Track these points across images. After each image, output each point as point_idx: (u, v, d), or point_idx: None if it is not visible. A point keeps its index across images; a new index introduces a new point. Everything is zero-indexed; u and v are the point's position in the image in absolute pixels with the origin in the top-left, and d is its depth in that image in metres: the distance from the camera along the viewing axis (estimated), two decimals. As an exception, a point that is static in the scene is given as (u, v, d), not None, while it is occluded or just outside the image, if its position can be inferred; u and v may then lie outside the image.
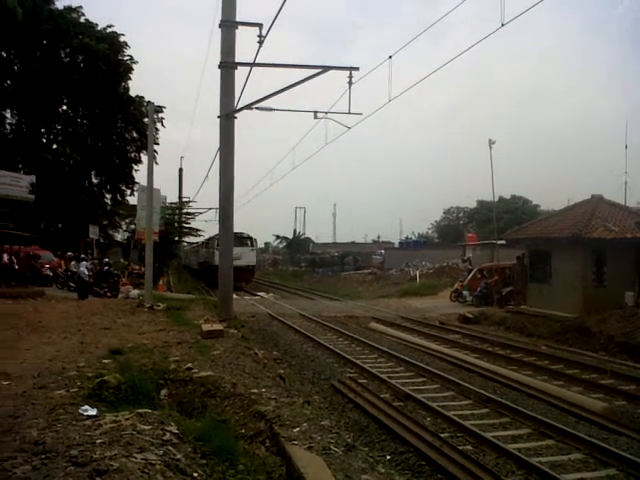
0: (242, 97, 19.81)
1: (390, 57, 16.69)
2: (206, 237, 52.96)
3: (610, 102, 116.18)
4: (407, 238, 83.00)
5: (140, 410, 6.92)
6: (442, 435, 9.28)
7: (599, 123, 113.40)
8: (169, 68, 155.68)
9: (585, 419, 10.65)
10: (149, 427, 6.30)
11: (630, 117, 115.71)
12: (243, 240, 44.60)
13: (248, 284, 45.79)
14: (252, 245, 47.05)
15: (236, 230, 35.65)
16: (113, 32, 44.74)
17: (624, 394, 12.73)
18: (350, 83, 18.03)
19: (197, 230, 51.67)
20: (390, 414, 10.31)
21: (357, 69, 18.07)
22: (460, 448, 8.64)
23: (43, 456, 5.22)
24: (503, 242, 34.52)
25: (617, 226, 23.28)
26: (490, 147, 41.18)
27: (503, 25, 12.20)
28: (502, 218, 56.72)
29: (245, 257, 43.67)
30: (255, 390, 9.60)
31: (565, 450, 9.08)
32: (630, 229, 23.00)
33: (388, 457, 8.51)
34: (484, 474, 7.73)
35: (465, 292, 32.20)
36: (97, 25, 44.57)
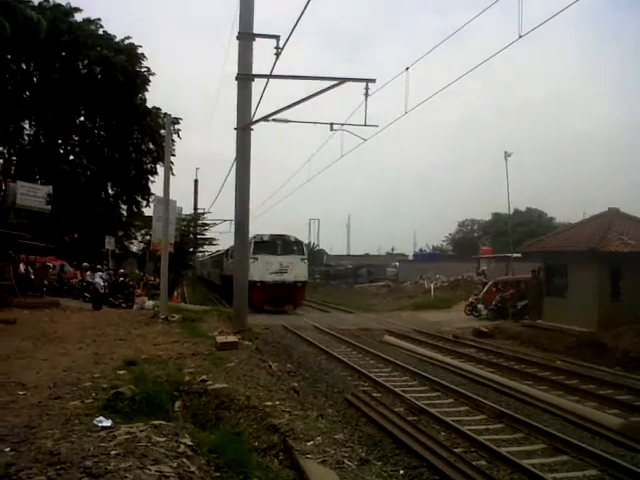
0: (259, 109, 19.85)
1: (407, 69, 16.67)
2: (227, 246, 44.31)
3: (629, 113, 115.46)
4: (421, 250, 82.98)
5: (155, 422, 6.94)
6: (456, 450, 9.23)
7: (616, 135, 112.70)
8: (186, 80, 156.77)
9: (601, 435, 10.55)
10: (163, 439, 6.31)
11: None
12: (289, 246, 34.15)
13: (296, 307, 34.47)
14: (302, 253, 34.70)
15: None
16: (131, 44, 45.24)
17: (640, 410, 12.61)
18: (366, 95, 18.03)
19: (212, 239, 51.72)
20: (404, 428, 10.27)
21: (374, 81, 18.07)
22: (474, 463, 8.58)
23: (58, 467, 5.24)
24: (518, 255, 34.42)
25: (633, 239, 23.14)
26: (506, 159, 41.36)
27: (521, 37, 12.16)
28: (517, 231, 56.50)
29: (293, 269, 33.29)
30: (269, 403, 9.59)
31: (580, 466, 8.99)
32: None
33: (402, 472, 8.47)
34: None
35: (480, 306, 32.05)
36: (115, 37, 45.11)
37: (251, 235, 27.86)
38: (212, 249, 54.76)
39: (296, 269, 33.47)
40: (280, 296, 32.03)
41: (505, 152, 41.23)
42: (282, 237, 33.69)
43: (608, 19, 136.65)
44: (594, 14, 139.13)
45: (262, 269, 32.28)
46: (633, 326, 19.97)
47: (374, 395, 12.89)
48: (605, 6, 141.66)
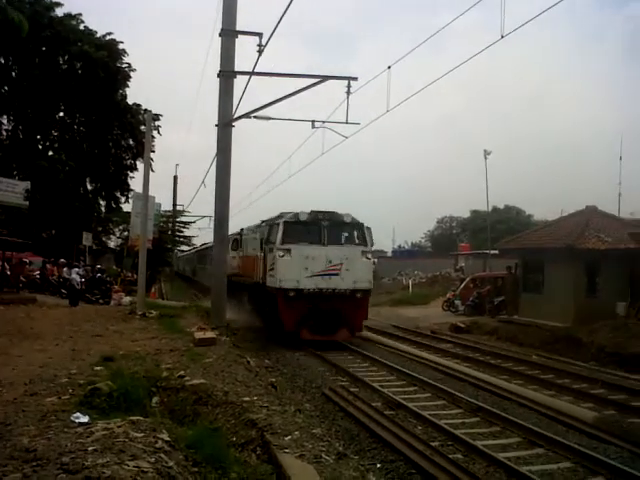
0: (240, 105, 19.73)
1: (389, 67, 16.57)
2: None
3: (605, 113, 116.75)
4: (400, 247, 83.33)
5: (132, 417, 6.95)
6: (433, 444, 9.30)
7: (593, 134, 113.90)
8: (167, 76, 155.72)
9: (575, 428, 10.68)
10: (141, 434, 6.32)
11: (625, 128, 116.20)
12: (343, 230, 20.38)
13: (355, 333, 20.00)
14: (364, 242, 20.07)
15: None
16: (112, 39, 44.96)
17: (614, 404, 12.77)
18: (348, 93, 18.03)
19: (191, 237, 51.44)
20: (381, 422, 10.33)
21: (355, 79, 18.06)
22: (450, 457, 8.67)
23: (34, 464, 5.22)
24: (496, 252, 34.74)
25: (610, 237, 23.44)
26: (485, 157, 41.70)
27: (503, 37, 12.06)
28: (496, 228, 56.99)
29: (351, 270, 19.31)
30: (247, 398, 9.62)
31: (554, 459, 9.10)
32: (623, 240, 23.15)
33: (379, 465, 8.52)
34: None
35: (457, 301, 32.33)
36: (96, 32, 44.77)
37: (274, 215, 21.05)
38: (197, 243, 53.98)
39: (355, 269, 19.26)
40: (328, 315, 18.83)
41: (485, 150, 41.62)
42: (331, 216, 19.77)
43: (587, 19, 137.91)
44: (576, 14, 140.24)
45: (297, 268, 18.83)
46: (608, 321, 20.26)
47: (352, 390, 12.93)
48: (587, 6, 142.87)
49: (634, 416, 11.89)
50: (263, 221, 22.91)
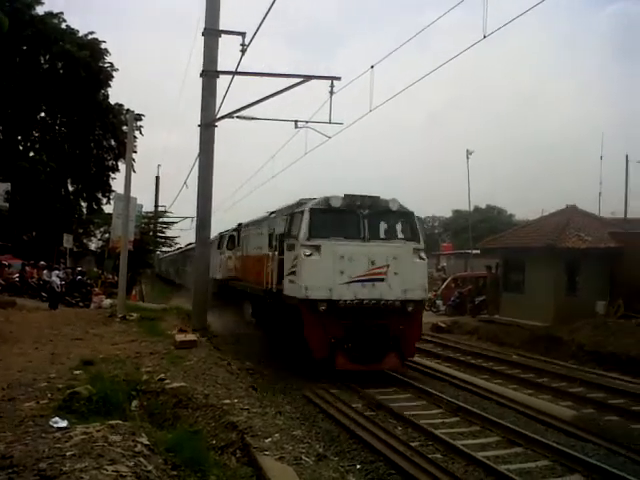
0: (223, 106, 19.60)
1: (372, 67, 16.52)
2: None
3: (587, 113, 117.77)
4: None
5: (111, 422, 6.90)
6: (412, 444, 9.39)
7: (576, 134, 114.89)
8: (151, 76, 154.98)
9: (554, 427, 10.82)
10: (120, 439, 6.29)
11: (606, 128, 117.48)
12: (388, 220, 15.86)
13: (406, 359, 15.40)
14: (416, 236, 15.42)
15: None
16: (94, 39, 44.58)
17: (592, 402, 12.98)
18: (331, 93, 17.97)
19: (173, 238, 51.15)
20: (361, 423, 10.41)
21: (339, 79, 18.00)
22: (430, 456, 8.76)
23: (10, 470, 5.17)
24: (477, 252, 34.94)
25: (590, 236, 23.68)
26: (467, 157, 42.06)
27: (485, 37, 11.86)
28: (478, 227, 57.31)
29: (402, 276, 14.71)
30: (227, 401, 9.62)
31: (533, 457, 9.23)
32: (603, 239, 23.43)
33: (358, 466, 8.58)
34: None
35: (439, 301, 32.47)
36: (78, 32, 44.38)
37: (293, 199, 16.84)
38: (181, 243, 53.48)
39: (406, 273, 14.78)
40: (372, 334, 14.34)
41: (467, 150, 41.96)
42: (372, 202, 15.34)
43: (571, 18, 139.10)
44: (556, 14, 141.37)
45: (329, 272, 14.31)
46: (588, 320, 20.48)
47: (332, 391, 12.98)
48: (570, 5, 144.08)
49: (612, 414, 12.13)
50: (272, 212, 18.89)
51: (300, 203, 15.94)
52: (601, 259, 22.99)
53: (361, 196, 15.23)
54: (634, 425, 11.38)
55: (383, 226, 15.67)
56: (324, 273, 14.14)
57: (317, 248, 14.32)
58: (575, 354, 18.89)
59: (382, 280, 14.46)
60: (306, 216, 14.61)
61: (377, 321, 14.36)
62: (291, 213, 15.71)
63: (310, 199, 15.69)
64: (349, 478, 7.47)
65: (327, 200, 14.91)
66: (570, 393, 13.75)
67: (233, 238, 23.65)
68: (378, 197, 15.43)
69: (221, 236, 27.45)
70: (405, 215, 15.63)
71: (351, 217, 14.92)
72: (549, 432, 10.52)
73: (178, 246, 53.03)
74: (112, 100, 46.83)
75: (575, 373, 16.33)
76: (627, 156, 32.10)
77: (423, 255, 15.41)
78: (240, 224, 23.56)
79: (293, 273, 14.69)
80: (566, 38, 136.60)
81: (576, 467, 8.71)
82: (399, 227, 15.76)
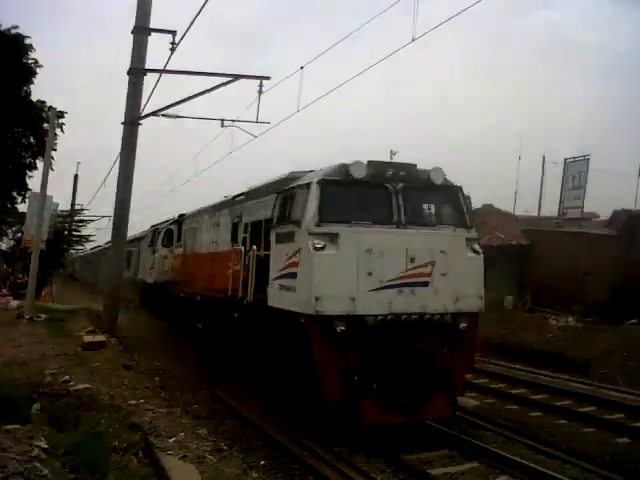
0: (150, 105, 19.22)
1: (302, 68, 16.61)
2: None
3: (508, 116, 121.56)
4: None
5: (8, 427, 6.78)
6: (318, 437, 9.55)
7: (496, 135, 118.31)
8: (75, 74, 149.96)
9: (456, 417, 11.24)
10: (15, 443, 6.20)
11: (524, 130, 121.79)
12: (431, 199, 10.88)
13: (456, 398, 10.38)
14: (465, 222, 10.63)
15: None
16: (18, 33, 42.65)
17: (494, 392, 13.67)
18: (260, 92, 17.96)
19: (88, 237, 49.88)
20: (269, 418, 10.53)
21: (268, 78, 17.97)
22: (335, 449, 8.98)
23: None
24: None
25: (504, 233, 24.64)
26: (391, 158, 42.71)
27: (414, 40, 11.84)
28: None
29: (452, 277, 10.04)
30: (134, 401, 9.60)
31: (434, 447, 9.56)
32: (516, 236, 24.44)
33: (262, 462, 8.63)
34: (355, 473, 8.08)
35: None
36: (0, 26, 42.46)
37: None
38: (100, 243, 52.04)
39: (457, 273, 10.19)
40: (410, 366, 9.59)
41: (391, 151, 42.56)
42: (408, 172, 10.57)
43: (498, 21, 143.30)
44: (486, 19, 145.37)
45: (350, 273, 9.48)
46: (496, 314, 21.31)
47: (243, 389, 13.03)
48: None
49: (511, 403, 12.78)
50: (239, 194, 15.03)
51: (293, 178, 11.46)
52: (513, 256, 23.95)
53: (392, 164, 10.86)
54: (532, 413, 12.05)
55: (424, 206, 11.07)
56: (344, 275, 9.45)
57: (333, 238, 9.56)
58: (482, 347, 19.58)
59: (426, 284, 9.95)
60: (314, 191, 9.90)
61: (417, 345, 9.87)
62: (286, 189, 11.06)
63: (309, 171, 11.27)
64: (252, 474, 7.57)
65: (345, 168, 10.14)
66: (475, 384, 14.25)
67: (171, 232, 20.57)
68: (415, 165, 10.83)
69: (155, 230, 23.99)
70: (451, 190, 10.93)
71: (380, 193, 10.30)
72: (451, 422, 10.88)
73: (96, 244, 51.74)
74: (34, 97, 45.10)
75: (481, 365, 16.93)
76: (544, 157, 33.49)
77: (478, 247, 10.65)
78: (182, 214, 20.68)
79: (289, 276, 10.12)
80: (493, 43, 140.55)
81: (474, 455, 9.15)
82: (445, 208, 11.10)
